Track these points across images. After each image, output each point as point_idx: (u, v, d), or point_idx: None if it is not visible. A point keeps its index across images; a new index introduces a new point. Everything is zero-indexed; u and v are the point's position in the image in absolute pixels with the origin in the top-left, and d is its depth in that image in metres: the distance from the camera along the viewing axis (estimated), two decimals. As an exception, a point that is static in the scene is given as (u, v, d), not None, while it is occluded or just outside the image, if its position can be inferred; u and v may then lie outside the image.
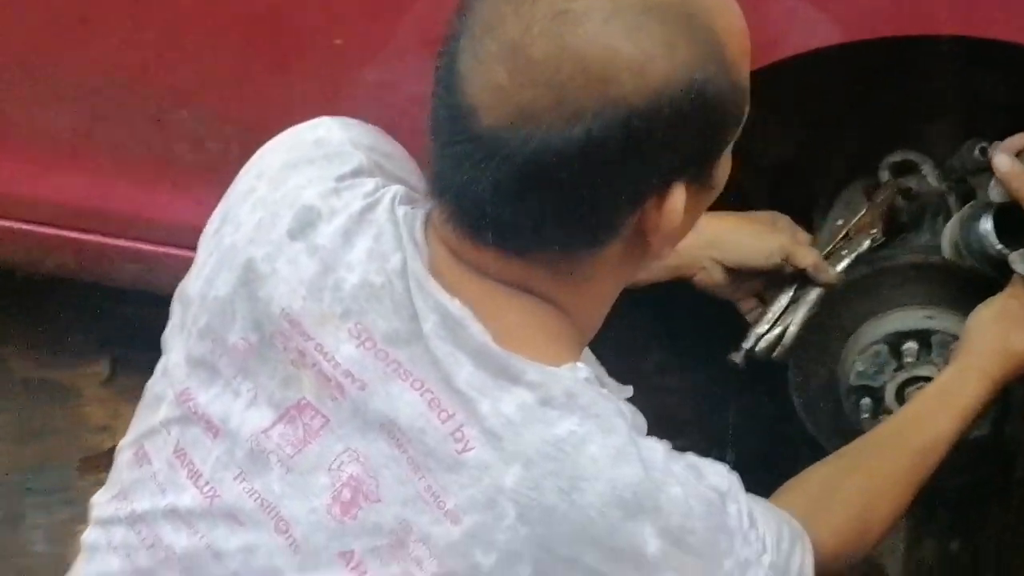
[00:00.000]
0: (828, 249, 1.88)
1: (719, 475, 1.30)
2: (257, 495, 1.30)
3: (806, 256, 1.83)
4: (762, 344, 1.85)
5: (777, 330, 1.85)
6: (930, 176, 1.88)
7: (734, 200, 2.10)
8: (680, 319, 2.03)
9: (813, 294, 1.85)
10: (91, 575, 1.38)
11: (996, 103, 1.90)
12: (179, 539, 1.32)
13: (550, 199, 1.21)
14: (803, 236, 1.88)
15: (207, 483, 1.32)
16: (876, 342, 1.89)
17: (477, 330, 1.26)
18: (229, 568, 1.30)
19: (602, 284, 1.31)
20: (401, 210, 1.32)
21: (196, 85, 1.97)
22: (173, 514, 1.33)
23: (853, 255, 1.88)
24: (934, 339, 1.85)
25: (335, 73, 1.84)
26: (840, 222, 1.89)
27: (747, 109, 1.26)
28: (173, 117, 2.00)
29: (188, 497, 1.32)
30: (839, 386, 1.93)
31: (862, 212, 1.89)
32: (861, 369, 1.89)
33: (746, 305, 1.89)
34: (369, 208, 1.32)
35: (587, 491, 1.22)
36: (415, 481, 1.25)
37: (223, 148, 1.95)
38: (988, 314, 1.71)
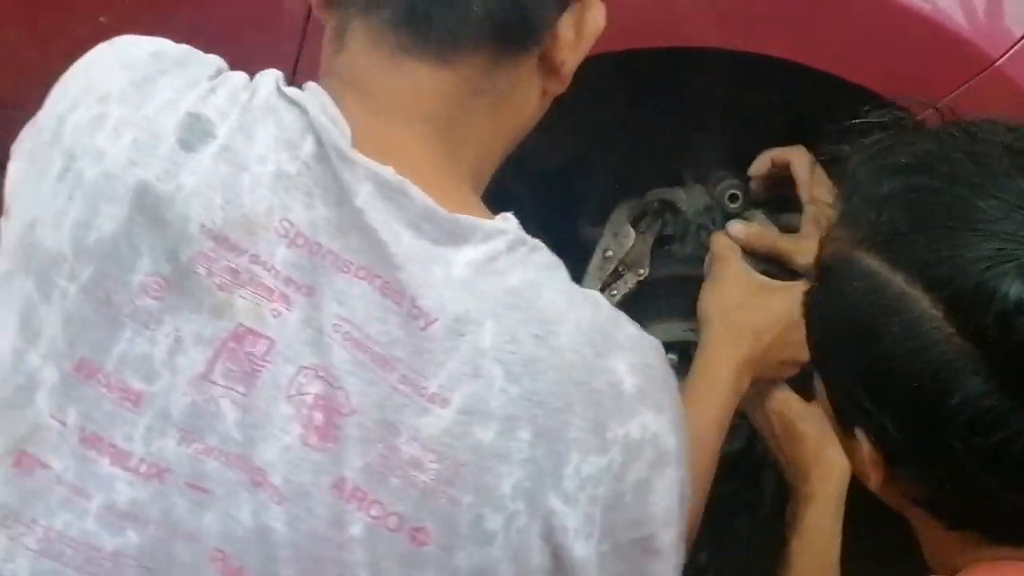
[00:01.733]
0: (599, 287, 1.89)
1: None
2: (217, 452, 1.16)
3: None
4: None
5: None
6: (689, 212, 1.90)
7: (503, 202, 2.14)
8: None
9: None
10: None
11: (767, 121, 1.94)
12: (127, 540, 1.16)
13: None
14: None
15: (142, 461, 1.16)
16: (638, 353, 1.90)
17: (418, 194, 1.19)
18: (208, 547, 1.15)
19: (514, 108, 1.31)
20: (292, 91, 1.23)
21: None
22: (109, 512, 1.16)
23: (620, 295, 1.90)
24: (694, 351, 1.87)
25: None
26: (609, 253, 1.91)
27: None
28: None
29: (122, 486, 1.16)
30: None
31: (630, 245, 1.90)
32: (623, 379, 1.90)
33: None
34: (254, 96, 1.22)
35: (559, 334, 1.18)
36: (386, 376, 1.15)
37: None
38: (725, 297, 1.74)
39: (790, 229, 1.82)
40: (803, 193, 1.79)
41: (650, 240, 1.90)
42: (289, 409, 1.16)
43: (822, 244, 1.27)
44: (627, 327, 1.27)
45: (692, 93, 1.89)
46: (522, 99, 1.32)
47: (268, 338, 1.16)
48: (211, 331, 1.17)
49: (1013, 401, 1.14)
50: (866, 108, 1.31)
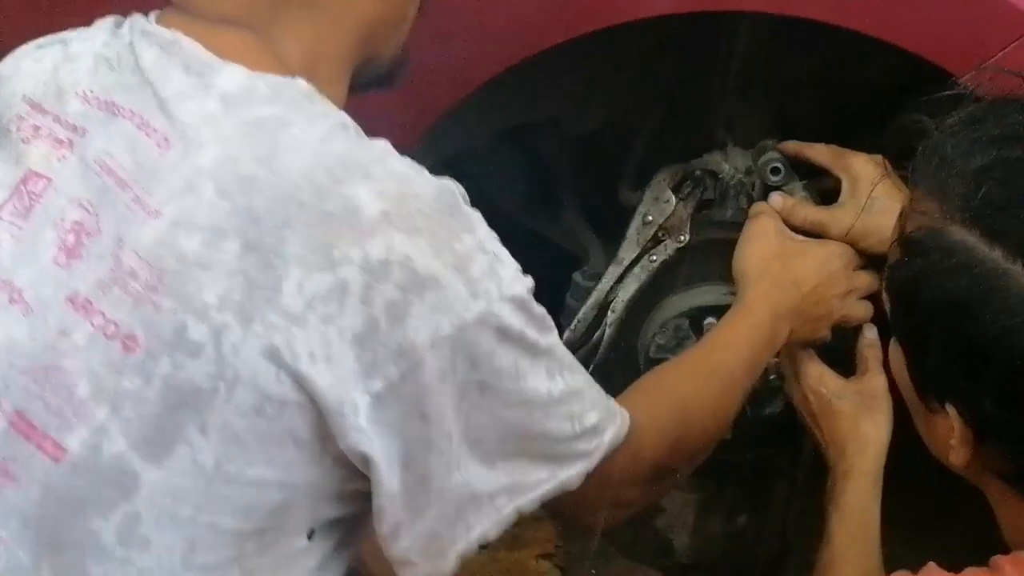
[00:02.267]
0: (638, 252, 1.90)
1: None
2: None
3: None
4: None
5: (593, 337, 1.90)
6: (730, 179, 1.90)
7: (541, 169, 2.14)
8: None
9: (620, 305, 1.90)
10: None
11: (802, 83, 1.93)
12: None
13: None
14: None
15: None
16: (678, 316, 1.91)
17: (188, 43, 1.29)
18: None
19: (338, 8, 1.35)
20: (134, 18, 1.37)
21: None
22: None
23: (660, 261, 1.91)
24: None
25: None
26: (649, 218, 1.90)
27: None
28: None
29: None
30: (638, 358, 1.94)
31: (670, 212, 1.90)
32: (662, 342, 1.91)
33: None
34: (114, 22, 1.38)
35: (288, 160, 1.23)
36: (124, 197, 1.25)
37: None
38: (762, 249, 1.77)
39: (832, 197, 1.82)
40: (835, 171, 1.81)
41: (691, 207, 1.90)
42: (52, 234, 1.28)
43: (904, 217, 1.25)
44: (392, 162, 1.27)
45: (731, 57, 1.89)
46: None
47: (47, 178, 1.31)
48: (10, 177, 1.33)
49: None
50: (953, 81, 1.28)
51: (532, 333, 1.30)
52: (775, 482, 2.12)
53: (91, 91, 1.32)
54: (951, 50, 1.60)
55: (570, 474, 1.36)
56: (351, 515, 1.33)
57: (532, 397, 1.31)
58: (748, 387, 1.69)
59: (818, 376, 1.76)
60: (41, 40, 1.42)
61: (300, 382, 1.21)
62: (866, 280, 1.78)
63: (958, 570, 1.23)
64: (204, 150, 1.24)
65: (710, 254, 1.91)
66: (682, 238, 1.90)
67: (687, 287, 1.92)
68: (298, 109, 1.27)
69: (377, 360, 1.21)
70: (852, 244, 1.77)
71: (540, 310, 1.32)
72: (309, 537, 1.31)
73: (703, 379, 1.62)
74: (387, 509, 1.27)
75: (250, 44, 1.32)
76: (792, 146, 1.86)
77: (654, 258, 1.90)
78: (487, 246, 1.28)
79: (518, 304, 1.29)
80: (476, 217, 1.29)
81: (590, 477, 1.37)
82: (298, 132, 1.25)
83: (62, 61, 1.37)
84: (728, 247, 1.87)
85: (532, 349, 1.30)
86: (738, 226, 1.87)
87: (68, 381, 1.24)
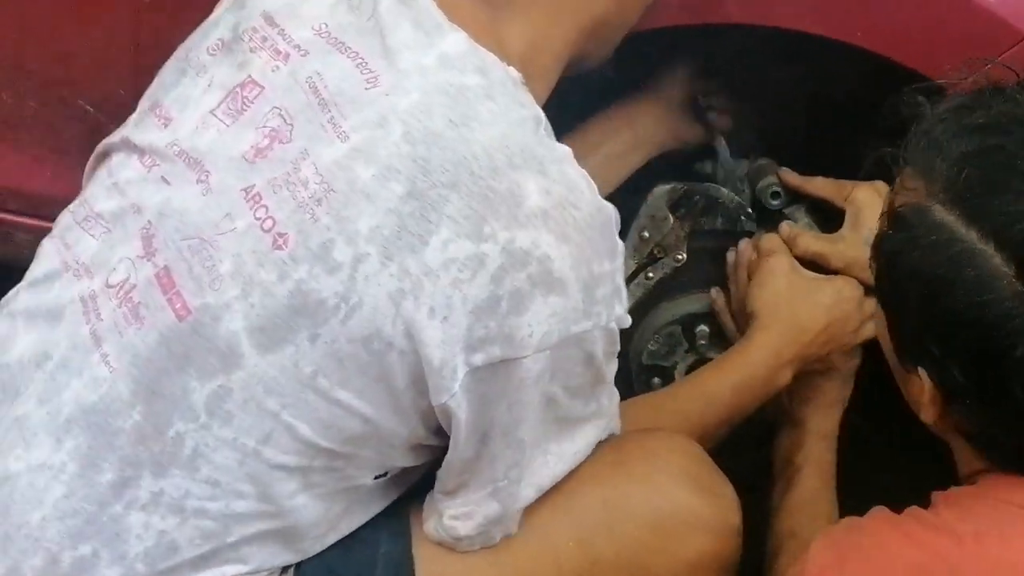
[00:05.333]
0: (635, 268, 1.92)
1: None
2: (186, 157, 1.40)
3: None
4: None
5: None
6: (731, 205, 1.92)
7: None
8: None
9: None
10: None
11: (795, 96, 1.95)
12: (109, 204, 1.44)
13: None
14: None
15: (151, 161, 1.43)
16: (670, 323, 1.93)
17: (426, 2, 1.39)
18: (145, 216, 1.40)
19: (576, 6, 1.46)
20: None
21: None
22: (114, 188, 1.46)
23: (657, 279, 1.93)
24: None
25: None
26: (646, 234, 1.93)
27: None
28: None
29: (130, 171, 1.45)
30: (630, 365, 1.95)
31: (667, 230, 1.92)
32: (654, 349, 1.93)
33: None
34: None
35: (477, 131, 1.31)
36: (321, 117, 1.35)
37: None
38: (774, 291, 1.79)
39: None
40: (837, 203, 1.84)
41: (687, 226, 1.92)
42: (252, 136, 1.39)
43: (895, 193, 1.34)
44: (568, 168, 1.35)
45: (719, 69, 1.91)
46: None
47: (262, 87, 1.41)
48: (231, 80, 1.43)
49: None
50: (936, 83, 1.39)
51: (604, 365, 1.40)
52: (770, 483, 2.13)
53: (325, 26, 1.41)
54: (935, 60, 1.62)
55: None
56: (416, 468, 1.43)
57: (570, 415, 1.42)
58: (722, 435, 1.74)
59: None
60: None
61: (411, 331, 1.30)
62: (874, 304, 1.80)
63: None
64: (407, 96, 1.34)
65: (702, 262, 1.93)
66: (679, 256, 1.92)
67: (679, 294, 1.94)
68: (503, 91, 1.36)
69: (487, 336, 1.30)
70: (851, 274, 1.80)
71: (618, 347, 1.42)
72: (375, 478, 1.41)
73: (675, 426, 1.65)
74: (455, 468, 1.38)
75: (479, 17, 1.41)
76: (793, 179, 1.89)
77: (651, 275, 1.93)
78: (617, 279, 1.37)
79: (611, 338, 1.38)
80: (620, 247, 1.38)
81: None
82: (495, 110, 1.33)
83: None
84: (719, 254, 1.89)
85: (599, 379, 1.41)
86: (729, 235, 1.89)
87: (216, 256, 1.35)
